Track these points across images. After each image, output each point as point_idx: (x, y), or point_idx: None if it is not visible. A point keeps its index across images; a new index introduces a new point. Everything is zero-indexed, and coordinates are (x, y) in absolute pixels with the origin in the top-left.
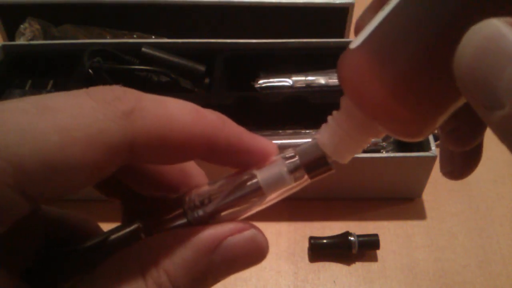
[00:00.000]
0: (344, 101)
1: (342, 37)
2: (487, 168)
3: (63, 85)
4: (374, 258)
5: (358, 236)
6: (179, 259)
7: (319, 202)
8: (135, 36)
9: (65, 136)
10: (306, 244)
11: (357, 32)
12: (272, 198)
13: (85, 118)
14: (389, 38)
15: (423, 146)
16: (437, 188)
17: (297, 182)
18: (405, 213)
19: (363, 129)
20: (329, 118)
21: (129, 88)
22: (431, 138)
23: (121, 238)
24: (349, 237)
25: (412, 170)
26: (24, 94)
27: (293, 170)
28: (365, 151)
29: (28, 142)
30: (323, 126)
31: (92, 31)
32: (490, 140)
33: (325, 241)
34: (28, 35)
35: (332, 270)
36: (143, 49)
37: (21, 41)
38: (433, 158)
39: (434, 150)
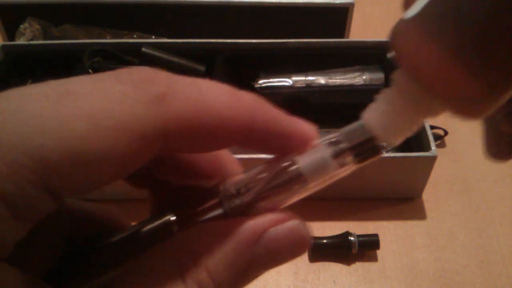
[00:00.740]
0: (398, 76)
1: (342, 37)
2: (487, 168)
3: None
4: (374, 258)
5: (358, 236)
6: (219, 254)
7: (319, 202)
8: (135, 36)
9: (92, 124)
10: None
11: (408, 2)
12: (315, 185)
13: (113, 104)
14: (456, 2)
15: (423, 146)
16: (437, 188)
17: (342, 168)
18: (405, 213)
19: (419, 108)
20: (378, 97)
21: (159, 70)
22: (431, 138)
23: (152, 231)
24: (349, 237)
25: (412, 170)
26: None
27: (337, 155)
28: None
29: (50, 131)
30: (371, 105)
31: (92, 31)
32: None
33: (325, 241)
34: (28, 35)
35: (332, 270)
36: (143, 49)
37: (21, 41)
38: (433, 158)
39: (434, 150)
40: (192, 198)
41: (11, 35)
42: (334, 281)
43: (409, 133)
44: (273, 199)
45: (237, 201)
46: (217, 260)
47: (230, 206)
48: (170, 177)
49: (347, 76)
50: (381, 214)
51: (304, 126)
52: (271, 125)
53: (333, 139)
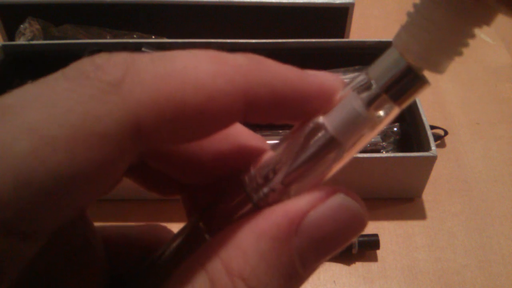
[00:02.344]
0: None
1: (342, 37)
2: (487, 168)
3: None
4: (374, 258)
5: (358, 236)
6: (254, 257)
7: None
8: (135, 36)
9: (37, 138)
10: None
11: None
12: (353, 146)
13: (59, 107)
14: None
15: (423, 146)
16: (437, 188)
17: (384, 116)
18: (405, 213)
19: (463, 14)
20: (409, 13)
21: (117, 52)
22: (431, 138)
23: (184, 243)
24: None
25: (412, 170)
26: None
27: (371, 102)
28: (365, 151)
29: None
30: (401, 27)
31: (92, 31)
32: (490, 140)
33: None
34: (28, 35)
35: (332, 270)
36: (143, 49)
37: (21, 41)
38: (433, 158)
39: (434, 150)
40: (221, 196)
41: (11, 35)
42: (334, 281)
43: (458, 51)
44: (308, 177)
45: (266, 190)
46: (253, 264)
47: (259, 197)
48: (188, 177)
49: (347, 76)
50: (381, 214)
51: (322, 78)
52: (278, 86)
53: (362, 83)
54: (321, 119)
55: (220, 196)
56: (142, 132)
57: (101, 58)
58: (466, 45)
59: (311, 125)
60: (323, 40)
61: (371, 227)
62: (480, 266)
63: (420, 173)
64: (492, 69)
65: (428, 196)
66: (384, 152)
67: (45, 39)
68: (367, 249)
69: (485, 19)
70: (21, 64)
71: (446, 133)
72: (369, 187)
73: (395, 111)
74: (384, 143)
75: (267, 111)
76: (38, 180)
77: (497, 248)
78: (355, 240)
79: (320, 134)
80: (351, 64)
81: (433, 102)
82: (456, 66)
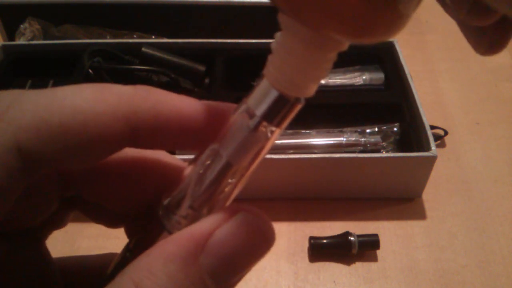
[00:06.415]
0: (284, 22)
1: None
2: (487, 168)
3: (63, 85)
4: (374, 258)
5: (358, 236)
6: (163, 278)
7: (319, 202)
8: (135, 36)
9: None
10: (306, 244)
11: None
12: (249, 166)
13: None
14: None
15: (423, 146)
16: (437, 188)
17: (269, 137)
18: (405, 213)
19: (317, 46)
20: (272, 45)
21: (13, 90)
22: (431, 138)
23: (112, 273)
24: (349, 237)
25: (412, 170)
26: None
27: (255, 127)
28: (365, 151)
29: None
30: (269, 58)
31: (92, 31)
32: (490, 140)
33: (325, 241)
34: (28, 35)
35: (332, 270)
36: (143, 49)
37: (21, 41)
38: (433, 158)
39: (434, 150)
40: (143, 226)
41: (11, 35)
42: (334, 281)
43: (322, 75)
44: (213, 199)
45: (177, 217)
46: (162, 285)
47: (172, 225)
48: (120, 208)
49: (347, 76)
50: (381, 214)
51: (211, 107)
52: (162, 113)
53: (246, 110)
54: (216, 145)
55: (143, 226)
56: (23, 152)
57: None
58: (329, 69)
59: (207, 152)
60: None
61: (371, 227)
62: (480, 266)
63: (420, 173)
64: (492, 69)
65: (428, 196)
66: (384, 152)
67: (45, 39)
68: (367, 249)
69: (339, 47)
70: (21, 64)
71: (446, 133)
72: (369, 187)
73: (278, 132)
74: (384, 143)
75: (155, 136)
76: None
77: (497, 248)
78: (355, 240)
79: (216, 160)
80: (351, 64)
81: (433, 102)
82: (456, 66)
